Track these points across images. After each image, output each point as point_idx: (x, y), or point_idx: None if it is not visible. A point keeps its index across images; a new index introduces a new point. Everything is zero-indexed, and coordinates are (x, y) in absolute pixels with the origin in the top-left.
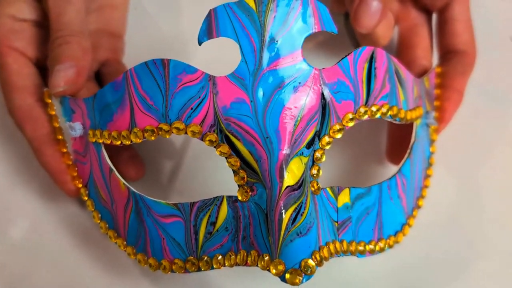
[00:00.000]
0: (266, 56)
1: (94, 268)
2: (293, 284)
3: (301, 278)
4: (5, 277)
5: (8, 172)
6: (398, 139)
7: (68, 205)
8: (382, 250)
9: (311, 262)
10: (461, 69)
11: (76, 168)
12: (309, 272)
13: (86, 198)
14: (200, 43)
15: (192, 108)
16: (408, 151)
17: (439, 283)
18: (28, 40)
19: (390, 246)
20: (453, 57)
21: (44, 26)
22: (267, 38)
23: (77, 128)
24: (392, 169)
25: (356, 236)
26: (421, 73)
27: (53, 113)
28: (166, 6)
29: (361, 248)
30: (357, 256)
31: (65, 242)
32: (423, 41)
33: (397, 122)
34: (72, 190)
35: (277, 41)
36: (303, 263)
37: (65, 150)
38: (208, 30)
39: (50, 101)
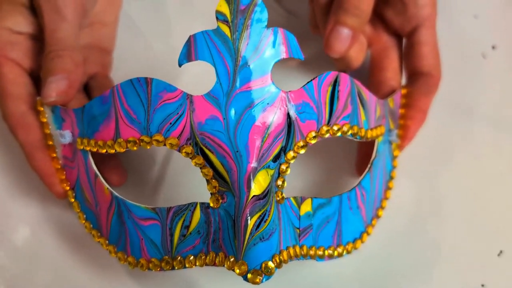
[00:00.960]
0: (238, 78)
1: (90, 270)
2: (254, 283)
3: (261, 278)
4: (6, 279)
5: (9, 180)
6: (365, 155)
7: (66, 212)
8: (340, 255)
9: (271, 264)
10: (426, 90)
11: (64, 172)
12: (268, 272)
13: (72, 200)
14: (180, 65)
15: (171, 123)
16: (369, 166)
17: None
18: (23, 51)
19: (348, 252)
20: (419, 78)
21: (39, 39)
22: (240, 63)
23: (67, 136)
24: (353, 182)
25: (316, 242)
26: (390, 93)
27: (45, 120)
28: (157, 26)
29: (320, 252)
30: (316, 260)
31: (63, 246)
32: (392, 64)
33: (357, 140)
34: (60, 192)
35: (249, 66)
36: (263, 265)
37: (54, 155)
38: (188, 54)
39: (42, 109)
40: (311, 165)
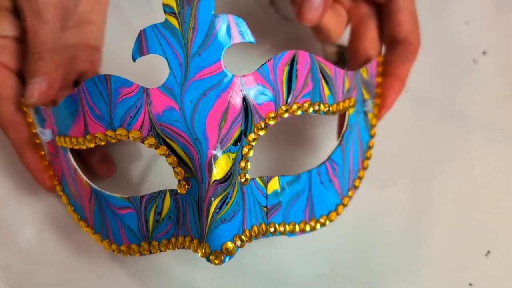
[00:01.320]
0: (190, 68)
1: (94, 269)
2: (215, 264)
3: (222, 259)
4: (12, 280)
5: (15, 184)
6: (342, 123)
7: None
8: (313, 228)
9: (230, 244)
10: (403, 57)
11: (52, 168)
12: (229, 253)
13: (61, 193)
14: (134, 60)
15: (131, 116)
16: (339, 139)
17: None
18: (10, 54)
19: (323, 224)
20: (397, 46)
21: (24, 41)
22: (190, 53)
23: (47, 134)
24: (322, 158)
25: (287, 218)
26: (367, 63)
27: (30, 120)
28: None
29: (291, 227)
30: (287, 235)
31: (67, 246)
32: (370, 33)
33: (322, 115)
34: (50, 187)
35: (199, 55)
36: (224, 246)
37: (42, 153)
38: (140, 49)
39: (26, 110)
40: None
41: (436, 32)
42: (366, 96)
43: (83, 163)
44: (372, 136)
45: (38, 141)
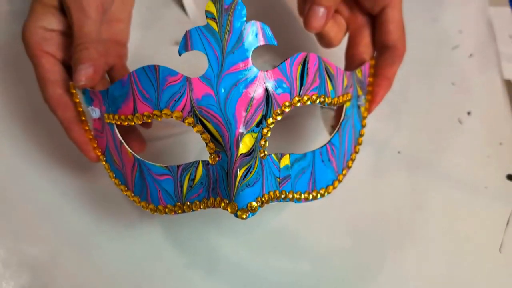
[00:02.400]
0: (225, 63)
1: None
2: (242, 218)
3: (247, 214)
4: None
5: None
6: (339, 115)
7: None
8: (314, 198)
9: (254, 203)
10: (391, 61)
11: (96, 141)
12: (253, 210)
13: (104, 162)
14: (180, 54)
15: (175, 100)
16: (338, 126)
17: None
18: (56, 45)
19: (322, 195)
20: (385, 51)
21: (68, 35)
22: (226, 51)
23: (97, 111)
24: (324, 140)
25: (294, 188)
26: (360, 65)
27: (77, 100)
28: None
29: (297, 196)
30: (294, 202)
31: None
32: (364, 39)
33: (326, 106)
34: (94, 157)
35: (233, 53)
36: (249, 205)
37: (87, 128)
38: (185, 45)
39: (74, 91)
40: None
41: (424, 93)
42: (360, 92)
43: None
44: (363, 126)
45: (83, 118)
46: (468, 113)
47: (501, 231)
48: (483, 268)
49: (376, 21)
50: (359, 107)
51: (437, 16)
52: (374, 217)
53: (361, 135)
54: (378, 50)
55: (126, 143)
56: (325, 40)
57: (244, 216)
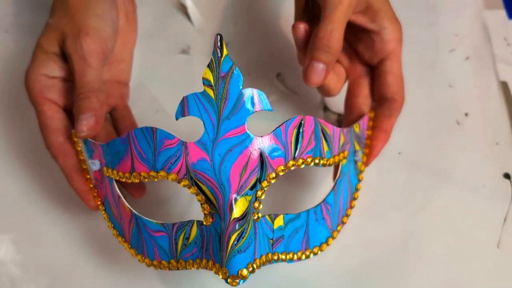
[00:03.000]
0: (221, 129)
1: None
2: (232, 285)
3: (237, 282)
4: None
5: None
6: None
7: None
8: (307, 257)
9: (245, 271)
10: (389, 113)
11: (96, 190)
12: (243, 277)
13: (103, 212)
14: (177, 119)
15: (171, 163)
16: (333, 185)
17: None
18: (58, 92)
19: (315, 254)
20: (384, 103)
21: (69, 80)
22: (222, 117)
23: (97, 164)
24: (319, 198)
25: (287, 248)
26: (359, 117)
27: (79, 148)
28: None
29: (290, 256)
30: (287, 262)
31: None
32: (364, 90)
33: (321, 167)
34: (94, 206)
35: (229, 119)
36: (239, 272)
37: (88, 176)
38: (182, 111)
39: (76, 139)
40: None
41: (423, 96)
42: (357, 147)
43: (121, 185)
44: (359, 180)
45: (84, 166)
46: (466, 115)
47: (499, 227)
48: (482, 264)
49: (375, 72)
50: (355, 162)
51: (433, 20)
52: (375, 217)
53: (357, 190)
54: (376, 101)
55: (126, 189)
56: (324, 90)
57: (234, 284)
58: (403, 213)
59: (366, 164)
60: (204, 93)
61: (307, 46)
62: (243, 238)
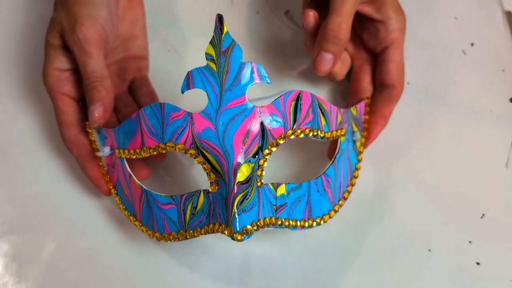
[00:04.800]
0: (223, 99)
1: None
2: (237, 240)
3: (243, 237)
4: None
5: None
6: (334, 147)
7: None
8: (310, 226)
9: (249, 227)
10: (389, 100)
11: (108, 176)
12: (248, 233)
13: (115, 195)
14: (182, 92)
15: (178, 133)
16: (332, 159)
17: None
18: (71, 84)
19: (318, 224)
20: (384, 89)
21: (79, 70)
22: (224, 88)
23: (106, 151)
24: (320, 172)
25: (291, 215)
26: (361, 101)
27: (92, 138)
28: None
29: (293, 223)
30: (291, 229)
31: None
32: (367, 76)
33: (319, 140)
34: (106, 191)
35: (230, 90)
36: (244, 228)
37: (100, 164)
38: (187, 84)
39: (90, 130)
40: (286, 159)
41: (429, 27)
42: (355, 128)
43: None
44: (359, 160)
45: (98, 155)
46: (472, 44)
47: (507, 149)
48: (491, 183)
49: (377, 59)
50: (354, 142)
51: None
52: (383, 142)
53: (357, 169)
54: (377, 87)
55: (132, 170)
56: (329, 75)
57: (239, 238)
58: (412, 138)
59: (365, 146)
60: (207, 66)
61: (316, 33)
62: (247, 199)
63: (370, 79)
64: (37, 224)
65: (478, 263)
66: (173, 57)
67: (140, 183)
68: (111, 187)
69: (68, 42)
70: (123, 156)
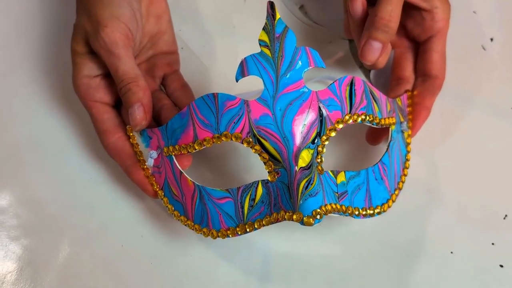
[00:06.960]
0: (280, 85)
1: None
2: (309, 225)
3: (314, 220)
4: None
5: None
6: (373, 132)
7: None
8: (372, 215)
9: (319, 210)
10: (432, 91)
11: (154, 178)
12: (318, 216)
13: (163, 197)
14: (237, 80)
15: (234, 122)
16: (387, 147)
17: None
18: (103, 90)
19: (378, 213)
20: (427, 79)
21: (109, 74)
22: (279, 74)
23: (153, 154)
24: (375, 159)
25: (352, 203)
26: (403, 90)
27: (135, 142)
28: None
29: (356, 212)
30: (354, 217)
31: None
32: (410, 65)
33: (374, 126)
34: (153, 193)
35: (286, 75)
36: (314, 212)
37: (145, 166)
38: (242, 72)
39: (132, 134)
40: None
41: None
42: (402, 119)
43: None
44: (408, 151)
45: (141, 158)
46: (491, 40)
47: None
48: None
49: (420, 48)
50: (402, 132)
51: None
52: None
53: (407, 160)
54: (418, 77)
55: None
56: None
57: (311, 221)
58: (431, 136)
59: (411, 136)
60: (261, 53)
61: (362, 20)
62: (311, 185)
63: (413, 68)
64: (52, 227)
65: (501, 266)
66: (186, 54)
67: (192, 180)
68: (157, 189)
69: (94, 47)
70: (173, 154)
